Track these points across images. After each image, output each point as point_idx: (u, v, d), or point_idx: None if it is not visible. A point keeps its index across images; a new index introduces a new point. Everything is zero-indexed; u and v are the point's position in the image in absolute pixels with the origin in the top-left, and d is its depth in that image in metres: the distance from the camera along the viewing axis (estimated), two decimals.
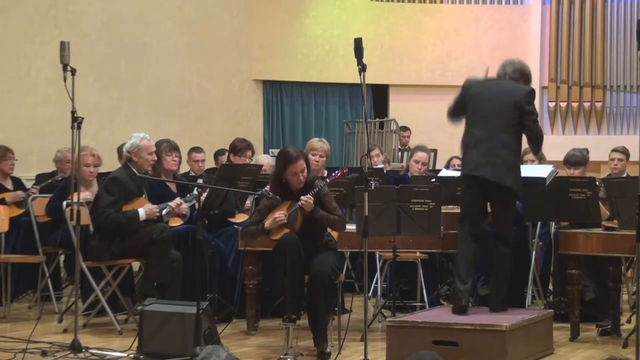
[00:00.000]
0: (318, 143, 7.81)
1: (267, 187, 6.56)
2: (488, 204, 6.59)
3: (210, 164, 10.29)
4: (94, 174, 8.26)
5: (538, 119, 6.54)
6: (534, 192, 7.02)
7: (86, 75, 10.39)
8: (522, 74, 6.62)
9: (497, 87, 6.52)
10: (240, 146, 8.43)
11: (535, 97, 6.56)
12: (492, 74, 6.71)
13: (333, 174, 6.88)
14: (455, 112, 6.66)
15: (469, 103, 6.57)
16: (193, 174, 9.40)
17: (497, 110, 6.41)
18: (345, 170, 7.17)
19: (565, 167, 8.11)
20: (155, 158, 7.56)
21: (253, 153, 8.66)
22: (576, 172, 8.01)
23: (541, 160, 8.25)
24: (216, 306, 7.33)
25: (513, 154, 6.44)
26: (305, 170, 6.37)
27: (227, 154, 9.07)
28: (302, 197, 6.27)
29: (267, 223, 6.36)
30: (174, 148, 7.97)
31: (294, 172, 6.33)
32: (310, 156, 7.34)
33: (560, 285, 7.46)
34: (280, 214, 6.32)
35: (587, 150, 8.25)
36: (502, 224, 6.53)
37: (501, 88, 6.50)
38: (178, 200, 7.50)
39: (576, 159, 8.05)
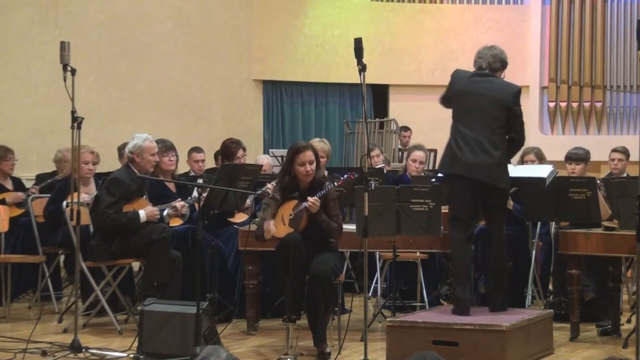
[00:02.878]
0: (319, 143, 7.80)
1: (268, 186, 6.56)
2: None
3: (210, 164, 10.29)
4: (92, 171, 8.27)
5: (525, 118, 6.52)
6: (534, 192, 7.01)
7: (86, 75, 10.39)
8: (502, 62, 6.56)
9: (484, 85, 6.44)
10: (232, 148, 8.32)
11: (520, 96, 6.54)
12: None
13: (342, 177, 6.81)
14: (444, 104, 6.65)
15: (455, 99, 6.52)
16: (193, 173, 9.39)
17: (486, 111, 6.36)
18: (354, 176, 7.07)
19: (566, 164, 8.11)
20: (158, 159, 7.55)
21: (244, 150, 8.59)
22: (577, 168, 8.02)
23: (541, 160, 8.25)
24: (216, 306, 7.33)
25: (504, 155, 6.40)
26: (314, 162, 6.37)
27: (219, 157, 9.02)
28: (310, 199, 6.26)
29: (266, 224, 6.34)
30: (169, 148, 7.97)
31: (302, 161, 6.32)
32: None
33: (560, 285, 7.46)
34: (271, 226, 6.29)
35: (588, 151, 8.26)
36: (495, 223, 6.51)
37: (489, 87, 6.43)
38: (181, 202, 7.50)
39: (578, 155, 8.07)
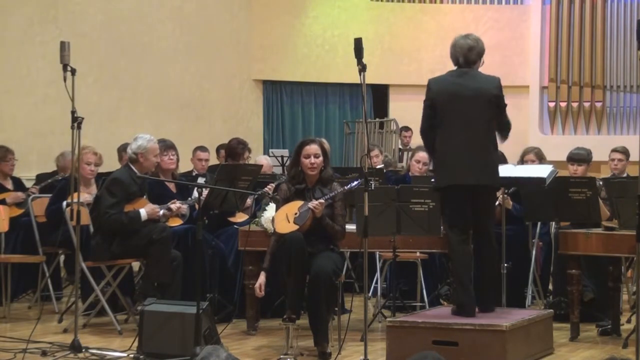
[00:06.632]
0: None
1: (268, 187, 6.56)
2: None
3: (212, 160, 10.26)
4: (94, 172, 8.26)
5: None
6: (534, 192, 7.00)
7: (86, 75, 10.39)
8: (479, 53, 6.28)
9: (465, 84, 6.19)
10: (238, 149, 8.36)
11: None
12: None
13: (353, 184, 6.70)
14: (428, 127, 6.32)
15: (439, 108, 6.24)
16: (196, 172, 9.40)
17: (473, 112, 6.15)
18: None
19: (568, 164, 8.11)
20: (159, 160, 7.57)
21: (250, 152, 8.63)
22: (579, 169, 8.02)
23: (541, 160, 8.25)
24: (216, 306, 7.33)
25: (495, 153, 6.28)
26: (320, 156, 6.43)
27: (220, 151, 9.02)
28: (314, 202, 6.28)
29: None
30: (170, 147, 7.97)
31: (307, 154, 6.40)
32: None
33: (560, 285, 7.46)
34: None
35: (590, 151, 8.26)
36: (484, 222, 6.29)
37: (471, 86, 6.18)
38: (177, 204, 7.50)
39: (580, 156, 8.07)
